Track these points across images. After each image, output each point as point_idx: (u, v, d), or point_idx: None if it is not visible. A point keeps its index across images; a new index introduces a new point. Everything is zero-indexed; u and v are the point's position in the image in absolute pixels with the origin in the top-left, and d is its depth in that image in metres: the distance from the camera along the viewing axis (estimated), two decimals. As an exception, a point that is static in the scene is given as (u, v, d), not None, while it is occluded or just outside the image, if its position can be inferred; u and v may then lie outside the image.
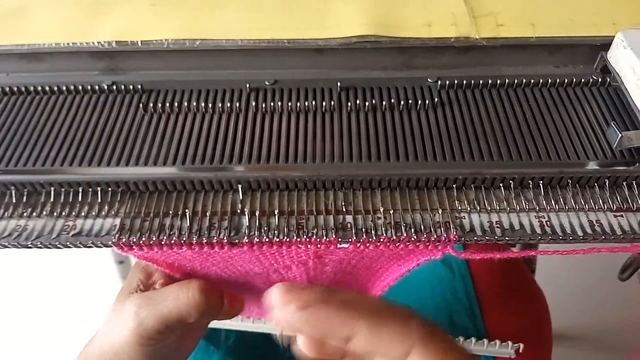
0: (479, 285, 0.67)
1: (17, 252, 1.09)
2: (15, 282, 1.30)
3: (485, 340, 0.56)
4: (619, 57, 0.42)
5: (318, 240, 0.36)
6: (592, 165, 0.37)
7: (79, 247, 0.35)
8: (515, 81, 0.43)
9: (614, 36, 0.43)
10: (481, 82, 0.43)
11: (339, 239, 0.36)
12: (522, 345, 0.55)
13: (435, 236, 0.35)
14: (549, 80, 0.43)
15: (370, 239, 0.36)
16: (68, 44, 0.44)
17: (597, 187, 0.38)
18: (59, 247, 0.35)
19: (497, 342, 0.56)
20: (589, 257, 1.17)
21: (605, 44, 0.43)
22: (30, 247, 0.35)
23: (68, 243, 0.35)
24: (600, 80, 0.43)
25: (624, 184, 0.38)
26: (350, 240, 0.36)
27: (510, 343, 0.56)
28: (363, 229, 0.36)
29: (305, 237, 0.36)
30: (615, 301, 1.16)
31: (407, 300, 0.67)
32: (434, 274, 0.69)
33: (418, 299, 0.68)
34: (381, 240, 0.35)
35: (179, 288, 0.42)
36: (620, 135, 0.37)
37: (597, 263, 1.17)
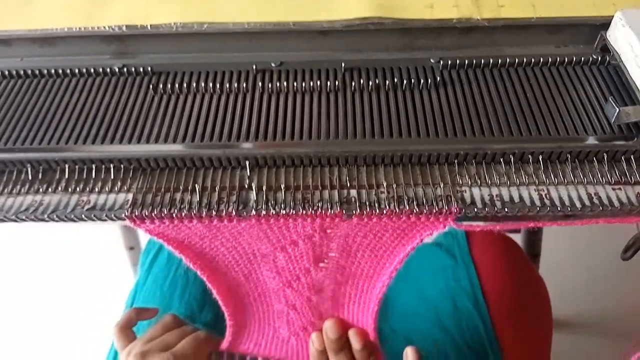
0: (482, 272, 0.67)
1: (28, 237, 1.11)
2: (27, 267, 1.32)
3: None
4: (618, 36, 0.43)
5: (323, 213, 0.37)
6: (591, 140, 0.38)
7: (94, 220, 0.36)
8: (516, 61, 0.44)
9: (613, 16, 0.43)
10: (482, 62, 0.44)
11: (344, 212, 0.37)
12: None
13: (436, 209, 0.36)
14: (550, 60, 0.44)
15: (374, 212, 0.37)
16: (79, 28, 0.45)
17: (595, 161, 0.39)
18: (75, 221, 0.37)
19: None
20: (593, 243, 1.18)
21: (605, 24, 0.44)
22: (47, 221, 0.37)
23: (83, 216, 0.36)
24: (600, 59, 0.44)
25: (622, 158, 0.39)
26: (354, 212, 0.37)
27: None
28: (367, 203, 0.37)
29: (311, 210, 0.37)
30: (619, 287, 1.17)
31: (411, 289, 0.68)
32: (438, 263, 0.70)
33: (422, 287, 0.68)
34: (384, 212, 0.36)
35: None
36: (617, 110, 0.38)
37: (600, 249, 1.18)
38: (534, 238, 0.91)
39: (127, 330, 0.53)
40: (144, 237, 0.89)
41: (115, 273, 1.09)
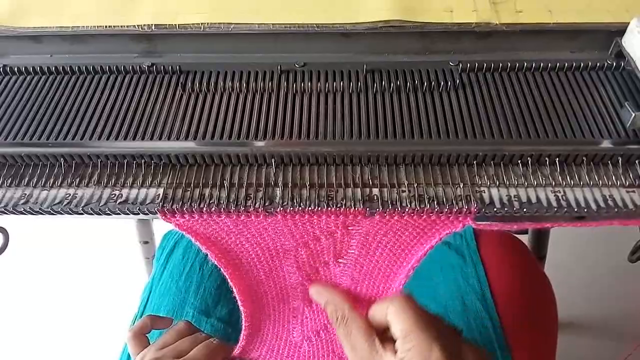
0: (490, 272, 0.68)
1: (46, 235, 1.12)
2: (42, 262, 1.34)
3: None
4: (634, 42, 0.44)
5: (346, 210, 0.38)
6: (606, 144, 0.40)
7: (127, 213, 0.38)
8: (533, 65, 0.45)
9: (628, 22, 0.45)
10: (500, 65, 0.45)
11: (367, 210, 0.38)
12: None
13: (456, 208, 0.38)
14: (566, 65, 0.45)
15: (396, 210, 0.38)
16: (109, 26, 0.46)
17: (610, 164, 0.40)
18: (108, 214, 0.38)
19: None
20: (598, 245, 1.18)
21: (620, 30, 0.45)
22: (81, 214, 0.38)
23: (116, 210, 0.38)
24: (614, 64, 0.45)
25: (637, 162, 0.40)
26: (376, 210, 0.38)
27: None
28: (389, 201, 0.38)
29: (334, 207, 0.38)
30: (624, 289, 1.18)
31: (421, 287, 0.69)
32: (447, 261, 0.71)
33: (431, 284, 0.69)
34: (406, 211, 0.38)
35: None
36: (633, 114, 0.39)
37: (605, 252, 1.19)
38: (540, 240, 0.92)
39: (141, 336, 0.54)
40: (158, 232, 0.91)
41: (130, 266, 1.10)
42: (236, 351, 0.57)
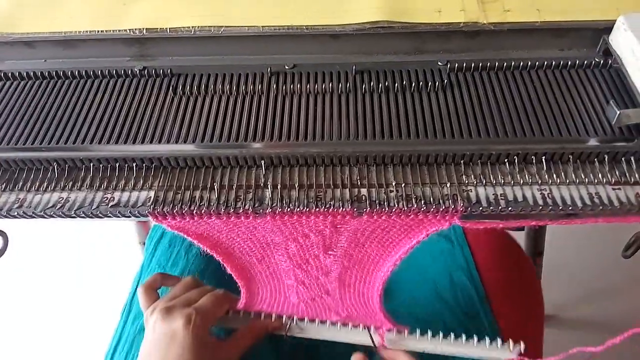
0: (475, 251, 0.72)
1: (47, 238, 1.12)
2: (43, 266, 1.35)
3: (487, 340, 0.55)
4: (620, 40, 0.44)
5: (335, 211, 0.39)
6: (593, 142, 0.40)
7: (118, 216, 0.39)
8: (521, 64, 0.45)
9: (616, 20, 0.45)
10: (488, 64, 0.45)
11: (355, 210, 0.39)
12: (523, 346, 0.55)
13: (443, 207, 0.38)
14: (553, 63, 0.46)
15: (384, 210, 0.38)
16: (101, 31, 0.47)
17: (596, 162, 0.40)
18: (100, 217, 0.39)
19: (499, 342, 0.55)
20: (594, 241, 1.17)
21: (607, 28, 0.46)
22: (73, 217, 0.39)
23: (108, 213, 0.38)
24: (602, 62, 0.46)
25: (623, 159, 0.40)
26: (364, 210, 0.38)
27: (511, 343, 0.54)
28: (377, 201, 0.39)
29: (323, 208, 0.39)
30: (620, 285, 1.18)
31: (411, 269, 0.72)
32: (436, 246, 0.75)
33: (421, 266, 0.73)
34: (393, 210, 0.38)
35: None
36: (618, 112, 0.39)
37: (602, 247, 1.19)
38: (537, 236, 0.92)
39: (151, 290, 0.57)
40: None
41: (130, 268, 1.12)
42: (240, 306, 0.58)
